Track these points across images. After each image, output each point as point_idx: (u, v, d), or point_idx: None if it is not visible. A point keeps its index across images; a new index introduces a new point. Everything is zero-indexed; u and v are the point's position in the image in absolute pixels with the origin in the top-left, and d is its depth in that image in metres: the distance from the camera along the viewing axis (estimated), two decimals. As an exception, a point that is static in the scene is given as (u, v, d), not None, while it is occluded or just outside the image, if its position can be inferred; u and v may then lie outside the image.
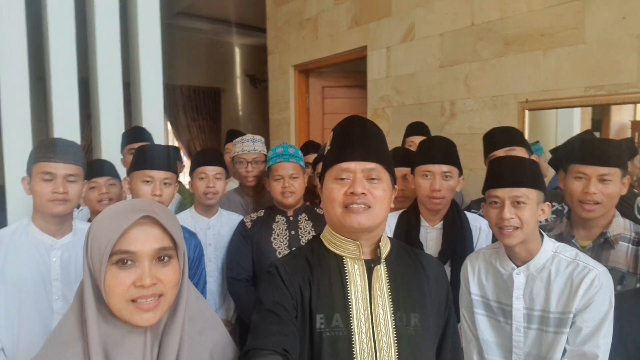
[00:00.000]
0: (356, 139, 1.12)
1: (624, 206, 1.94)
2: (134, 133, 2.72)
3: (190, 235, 1.97)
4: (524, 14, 2.63)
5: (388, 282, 1.11)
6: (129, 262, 0.91)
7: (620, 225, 1.59)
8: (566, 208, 2.05)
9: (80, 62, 2.86)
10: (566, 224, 1.69)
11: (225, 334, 1.11)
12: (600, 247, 1.59)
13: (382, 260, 1.13)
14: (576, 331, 1.32)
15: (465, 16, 2.93)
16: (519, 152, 2.00)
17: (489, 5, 2.79)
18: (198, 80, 6.87)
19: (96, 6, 2.90)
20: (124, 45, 3.06)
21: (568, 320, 1.33)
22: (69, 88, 2.81)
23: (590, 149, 1.58)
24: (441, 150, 1.88)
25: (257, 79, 7.12)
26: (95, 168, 2.17)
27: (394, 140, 2.99)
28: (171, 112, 6.62)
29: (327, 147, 1.18)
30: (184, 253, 1.00)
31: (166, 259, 0.95)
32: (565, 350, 1.34)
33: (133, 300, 0.90)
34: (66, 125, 2.80)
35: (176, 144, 6.87)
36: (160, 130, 3.08)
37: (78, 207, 2.43)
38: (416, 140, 2.74)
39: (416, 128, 2.84)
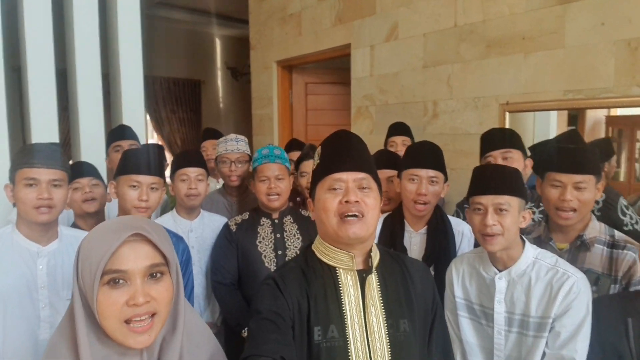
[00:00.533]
0: (345, 151, 1.17)
1: (608, 208, 2.01)
2: (119, 131, 2.71)
3: (177, 239, 1.96)
4: (505, 17, 2.67)
5: (379, 291, 1.16)
6: (121, 281, 0.91)
7: (596, 229, 1.66)
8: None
9: (58, 52, 2.78)
10: (544, 228, 1.75)
11: (217, 344, 1.13)
12: (577, 250, 1.65)
13: (374, 269, 1.17)
14: (555, 335, 1.38)
15: (448, 17, 2.96)
16: (515, 154, 2.04)
17: (471, 8, 2.83)
18: (178, 72, 6.78)
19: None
20: (103, 36, 2.99)
21: (547, 325, 1.39)
22: (46, 79, 2.72)
23: (565, 157, 1.63)
24: (429, 156, 1.91)
25: (239, 72, 7.06)
26: (77, 169, 2.14)
27: (377, 140, 3.02)
28: (150, 104, 6.52)
29: (316, 161, 1.21)
30: (176, 268, 1.00)
31: (158, 275, 0.95)
32: (544, 353, 1.40)
33: (127, 322, 0.90)
34: (43, 118, 2.72)
35: (156, 136, 6.79)
36: (140, 123, 3.02)
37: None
38: (398, 140, 2.78)
39: (398, 128, 2.88)
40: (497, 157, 2.05)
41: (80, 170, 2.16)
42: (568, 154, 1.64)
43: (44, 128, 2.69)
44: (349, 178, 1.13)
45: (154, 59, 6.27)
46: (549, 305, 1.39)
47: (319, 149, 1.22)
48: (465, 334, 1.56)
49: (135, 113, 3.05)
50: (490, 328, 1.50)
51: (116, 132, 2.71)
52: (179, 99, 6.84)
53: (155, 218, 2.20)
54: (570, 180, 1.59)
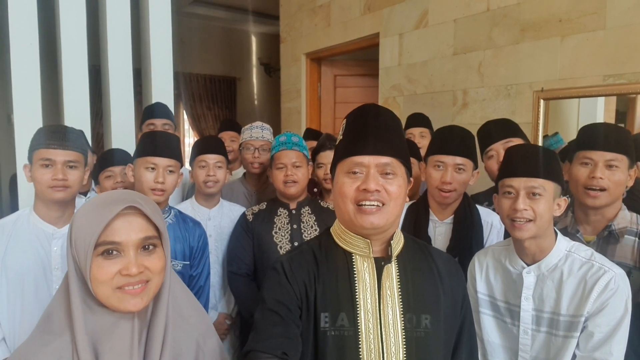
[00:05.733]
0: (370, 130, 1.05)
1: (633, 199, 1.86)
2: (153, 109, 2.67)
3: (194, 224, 1.96)
4: (542, -1, 2.51)
5: (399, 282, 1.06)
6: (115, 252, 0.92)
7: (627, 219, 1.53)
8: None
9: (91, 48, 2.85)
10: (570, 218, 1.62)
11: (210, 325, 1.13)
12: (606, 241, 1.53)
13: (394, 258, 1.08)
14: (588, 336, 1.25)
15: (481, 1, 2.82)
16: (516, 143, 1.90)
17: (505, -10, 2.68)
18: (214, 69, 6.84)
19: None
20: (135, 32, 3.04)
21: (579, 324, 1.26)
22: (80, 75, 2.80)
23: (596, 134, 1.53)
24: (456, 141, 1.76)
25: (272, 68, 7.07)
26: (110, 157, 2.18)
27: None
28: (187, 101, 6.62)
29: (340, 136, 1.11)
30: (167, 241, 1.00)
31: (151, 247, 0.96)
32: (574, 355, 1.27)
33: (119, 288, 0.91)
34: (77, 113, 2.79)
35: (192, 132, 6.89)
36: (170, 117, 3.05)
37: (85, 194, 2.42)
38: (415, 132, 2.69)
39: (416, 120, 2.76)
40: (498, 149, 1.93)
41: (115, 158, 2.19)
42: (599, 130, 1.54)
43: (76, 123, 2.75)
44: (370, 162, 1.02)
45: (190, 56, 6.37)
46: (582, 302, 1.25)
47: (344, 121, 1.12)
48: (487, 333, 1.44)
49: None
50: (515, 327, 1.38)
51: (150, 110, 2.67)
52: (215, 96, 6.89)
53: (176, 204, 2.19)
54: (602, 158, 1.49)
